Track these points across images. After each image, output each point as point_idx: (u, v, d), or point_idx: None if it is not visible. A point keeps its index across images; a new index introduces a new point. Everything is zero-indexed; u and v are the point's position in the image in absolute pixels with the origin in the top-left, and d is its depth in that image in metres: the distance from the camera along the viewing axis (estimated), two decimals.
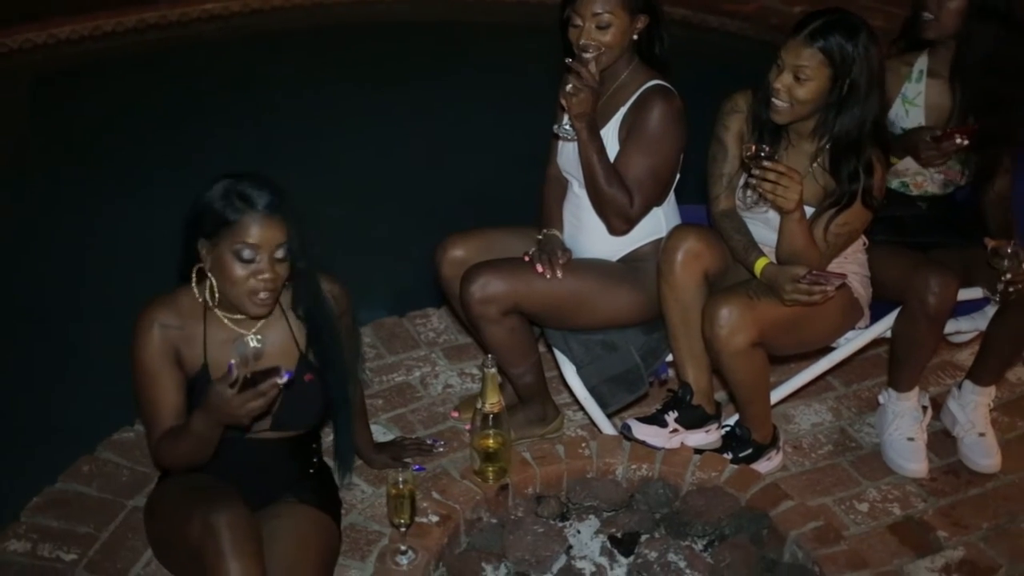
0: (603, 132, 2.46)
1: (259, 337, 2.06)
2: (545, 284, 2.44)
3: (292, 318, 2.11)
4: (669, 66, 2.48)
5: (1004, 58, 2.49)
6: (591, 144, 2.36)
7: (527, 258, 2.48)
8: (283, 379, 1.82)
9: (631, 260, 2.55)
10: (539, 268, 2.44)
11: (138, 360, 2.00)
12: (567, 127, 2.42)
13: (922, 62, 2.65)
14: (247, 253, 1.91)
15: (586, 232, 2.55)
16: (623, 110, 2.45)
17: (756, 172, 2.23)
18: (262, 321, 2.07)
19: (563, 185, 2.64)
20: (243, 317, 2.04)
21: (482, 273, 2.42)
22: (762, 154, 2.23)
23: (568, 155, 2.55)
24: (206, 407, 1.87)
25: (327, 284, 2.15)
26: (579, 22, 2.36)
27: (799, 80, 2.26)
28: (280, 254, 1.94)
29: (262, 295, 1.94)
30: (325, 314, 2.10)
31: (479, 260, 2.54)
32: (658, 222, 2.55)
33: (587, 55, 2.29)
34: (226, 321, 2.05)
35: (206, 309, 2.04)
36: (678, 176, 2.55)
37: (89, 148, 4.37)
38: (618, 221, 2.45)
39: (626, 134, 2.44)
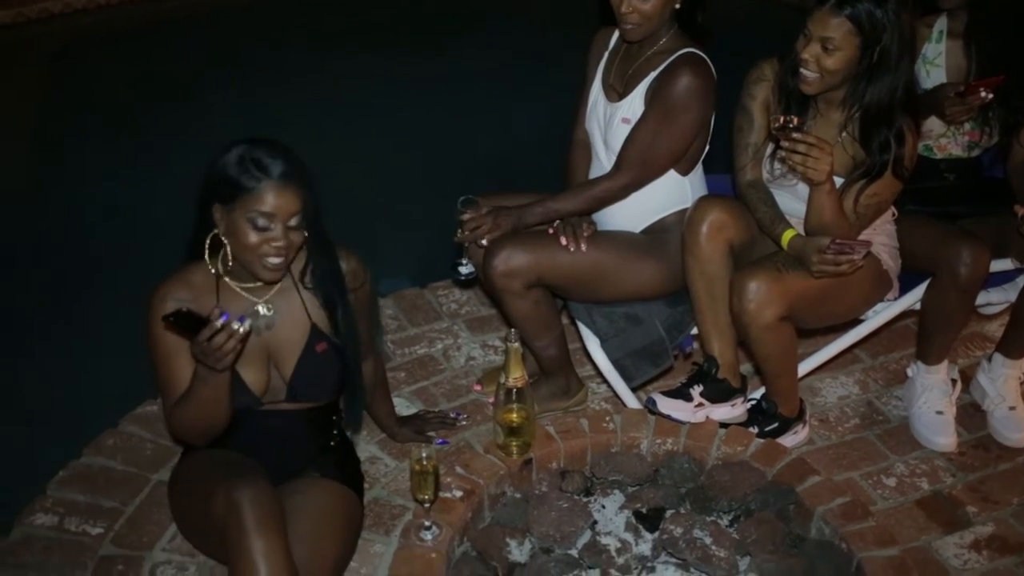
0: (632, 95, 2.44)
1: (270, 306, 2.06)
2: (569, 257, 2.41)
3: (303, 288, 2.10)
4: (710, 35, 2.43)
5: (1016, 15, 2.48)
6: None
7: (552, 231, 2.45)
8: (229, 322, 1.79)
9: (655, 231, 2.52)
10: (563, 241, 2.41)
11: (153, 336, 1.99)
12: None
13: (941, 23, 2.62)
14: (261, 221, 1.90)
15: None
16: (653, 75, 2.41)
17: (785, 144, 2.19)
18: (274, 290, 2.06)
19: (589, 150, 2.60)
20: (255, 285, 2.04)
21: (505, 246, 2.40)
22: (791, 125, 2.18)
23: (596, 117, 2.52)
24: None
25: (344, 258, 2.13)
26: None
27: (827, 51, 2.21)
28: (294, 222, 1.93)
29: (274, 259, 1.94)
30: (337, 285, 2.09)
31: None
32: (684, 192, 2.51)
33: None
34: (239, 290, 2.04)
35: (218, 281, 2.03)
36: (707, 147, 2.51)
37: (107, 117, 4.36)
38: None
39: (650, 99, 2.40)
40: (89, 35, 5.26)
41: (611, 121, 2.48)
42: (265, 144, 1.93)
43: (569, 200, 2.48)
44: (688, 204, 2.48)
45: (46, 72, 5.09)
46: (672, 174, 2.49)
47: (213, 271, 1.99)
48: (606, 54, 2.55)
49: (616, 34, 2.53)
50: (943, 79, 2.62)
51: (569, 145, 2.66)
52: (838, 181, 2.33)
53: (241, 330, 1.81)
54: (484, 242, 2.43)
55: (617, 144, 2.46)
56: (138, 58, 4.91)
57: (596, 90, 2.55)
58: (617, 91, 2.49)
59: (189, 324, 1.80)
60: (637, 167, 2.43)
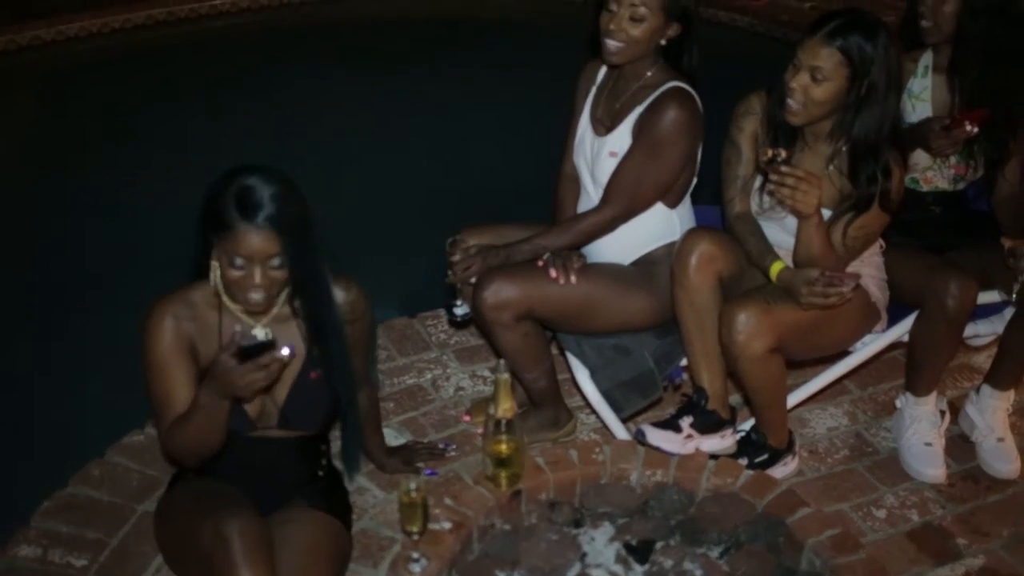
0: (619, 129, 2.45)
1: (268, 330, 2.04)
2: (559, 289, 2.41)
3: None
4: (695, 77, 2.45)
5: (999, 49, 2.50)
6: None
7: (541, 263, 2.45)
8: (284, 353, 1.81)
9: (644, 263, 2.53)
10: (553, 273, 2.41)
11: (151, 352, 1.97)
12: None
13: (927, 58, 2.64)
14: (238, 261, 1.89)
15: None
16: (639, 109, 2.42)
17: (774, 177, 2.20)
18: (272, 314, 2.05)
19: (577, 184, 2.61)
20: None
21: (495, 279, 2.40)
22: (779, 158, 2.20)
23: (584, 151, 2.53)
24: (210, 377, 1.86)
25: (343, 288, 2.12)
26: (614, 8, 2.34)
27: (816, 80, 2.23)
28: (275, 263, 1.91)
29: (253, 295, 1.93)
30: (329, 318, 2.06)
31: None
32: (672, 225, 2.52)
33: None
34: (238, 313, 2.03)
35: (220, 301, 2.03)
36: (695, 180, 2.52)
37: (98, 145, 4.36)
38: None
39: (637, 133, 2.42)
40: (81, 62, 5.27)
41: (599, 155, 2.49)
42: (261, 179, 1.90)
43: (557, 236, 2.48)
44: (676, 237, 2.49)
45: (38, 99, 5.10)
46: (660, 207, 2.50)
47: (213, 285, 1.98)
48: (593, 88, 2.57)
49: (604, 68, 2.55)
50: (929, 113, 2.64)
51: (557, 179, 2.67)
52: (825, 214, 2.34)
53: (286, 356, 1.82)
54: (474, 281, 2.43)
55: (604, 178, 2.47)
56: (131, 86, 4.91)
57: (584, 124, 2.56)
58: (605, 125, 2.50)
59: (254, 352, 1.80)
60: (625, 200, 2.44)
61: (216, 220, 1.89)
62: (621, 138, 2.44)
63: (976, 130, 2.45)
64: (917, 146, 2.59)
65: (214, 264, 1.95)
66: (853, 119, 2.26)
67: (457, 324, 2.64)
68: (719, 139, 2.50)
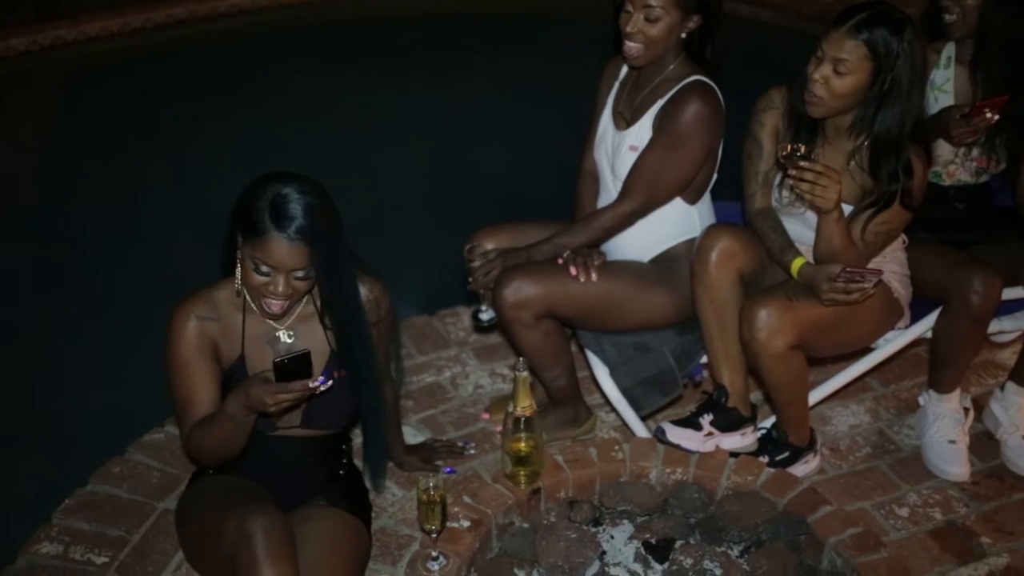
0: (640, 123, 2.44)
1: (291, 332, 2.05)
2: (579, 288, 2.40)
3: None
4: (719, 67, 2.44)
5: (1021, 41, 2.49)
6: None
7: (561, 261, 2.44)
8: (317, 383, 1.82)
9: (664, 260, 2.51)
10: (573, 271, 2.40)
11: (174, 351, 1.99)
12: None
13: (949, 49, 2.63)
14: (264, 268, 1.90)
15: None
16: (661, 102, 2.41)
17: (793, 172, 2.18)
18: (295, 315, 2.06)
19: (597, 180, 2.60)
20: None
21: (515, 277, 2.39)
22: (798, 153, 2.18)
23: (605, 145, 2.52)
24: (240, 390, 1.88)
25: (368, 287, 2.12)
26: (630, 8, 2.33)
27: (839, 73, 2.21)
28: (299, 274, 1.91)
29: (273, 302, 1.94)
30: (357, 324, 2.06)
31: None
32: (691, 221, 2.51)
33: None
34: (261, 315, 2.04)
35: (245, 302, 2.03)
36: (715, 176, 2.51)
37: (120, 144, 4.39)
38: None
39: (657, 126, 2.41)
40: (102, 62, 5.30)
41: (619, 149, 2.48)
42: (297, 190, 1.89)
43: (577, 233, 2.47)
44: (696, 233, 2.48)
45: (59, 98, 5.13)
46: (679, 203, 2.48)
47: (236, 285, 1.99)
48: (616, 84, 2.56)
49: (626, 67, 2.54)
50: (951, 104, 2.62)
51: (578, 174, 2.66)
52: (847, 209, 2.32)
53: (321, 389, 1.83)
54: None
55: (624, 172, 2.46)
56: (152, 85, 4.94)
57: (606, 119, 2.55)
58: (625, 119, 2.49)
59: (294, 368, 1.82)
60: (643, 194, 2.43)
61: (248, 223, 1.89)
62: (641, 132, 2.43)
63: (996, 117, 2.43)
64: (937, 136, 2.56)
65: (238, 262, 1.96)
66: (875, 114, 2.24)
67: (484, 329, 2.64)
68: (740, 134, 2.48)
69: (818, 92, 2.23)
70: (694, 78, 2.38)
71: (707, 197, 2.54)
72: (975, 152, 2.61)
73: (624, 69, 2.55)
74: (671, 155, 2.39)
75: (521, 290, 2.38)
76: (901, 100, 2.20)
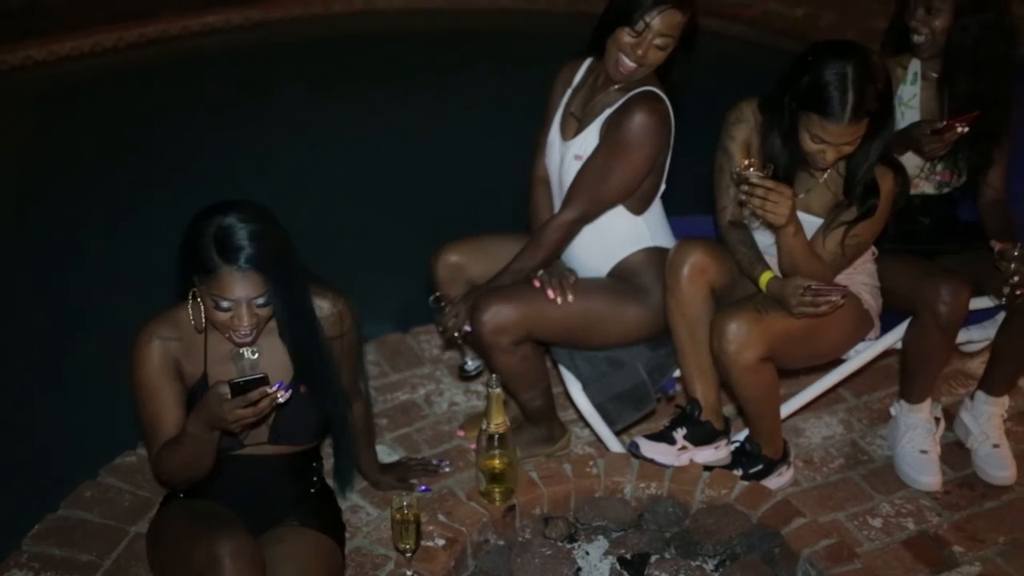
0: (586, 132, 2.44)
1: (254, 349, 2.04)
2: (557, 309, 2.40)
3: None
4: (677, 87, 2.45)
5: (987, 60, 2.51)
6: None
7: (537, 284, 2.44)
8: (275, 389, 1.82)
9: (623, 273, 2.52)
10: (551, 294, 2.41)
11: (138, 375, 1.98)
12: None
13: (915, 65, 2.64)
14: (224, 304, 1.89)
15: (575, 243, 2.52)
16: (608, 111, 2.42)
17: (744, 188, 2.20)
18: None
19: (550, 187, 2.61)
20: None
21: (493, 302, 2.39)
22: (749, 171, 2.19)
23: (553, 155, 2.52)
24: (200, 407, 1.87)
25: (331, 301, 2.11)
26: (641, 29, 2.29)
27: (848, 145, 2.23)
28: (260, 301, 1.90)
29: (242, 332, 1.92)
30: (314, 340, 2.05)
31: (474, 265, 2.56)
32: (640, 232, 2.51)
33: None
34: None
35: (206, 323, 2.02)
36: (663, 186, 2.52)
37: (91, 164, 4.36)
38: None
39: (604, 134, 2.41)
40: (73, 82, 5.27)
41: (564, 159, 2.49)
42: (238, 218, 1.88)
43: (531, 255, 2.46)
44: (647, 244, 2.49)
45: (29, 119, 5.09)
46: (626, 214, 2.48)
47: (193, 323, 1.98)
48: (569, 90, 2.55)
49: (584, 67, 2.54)
50: (917, 119, 2.64)
51: (529, 184, 2.66)
52: (818, 221, 2.34)
53: (281, 398, 1.83)
54: (467, 328, 2.42)
55: (569, 181, 2.46)
56: (124, 105, 4.92)
57: (555, 128, 2.55)
58: (577, 118, 2.49)
59: (246, 388, 1.81)
60: (585, 201, 2.43)
61: (197, 263, 1.88)
62: (587, 141, 2.44)
63: (967, 129, 2.45)
64: (907, 149, 2.59)
65: (190, 305, 1.95)
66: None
67: (472, 378, 2.66)
68: (709, 147, 2.49)
69: (828, 162, 2.28)
70: (644, 88, 2.39)
71: (655, 208, 2.54)
72: (939, 166, 2.64)
73: (579, 75, 2.55)
74: (615, 162, 2.39)
75: (500, 314, 2.38)
76: (879, 136, 2.26)
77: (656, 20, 2.29)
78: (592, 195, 2.42)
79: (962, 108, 2.52)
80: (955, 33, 2.50)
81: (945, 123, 2.47)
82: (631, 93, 2.39)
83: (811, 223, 2.38)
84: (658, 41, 2.31)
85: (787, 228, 2.24)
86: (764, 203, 2.18)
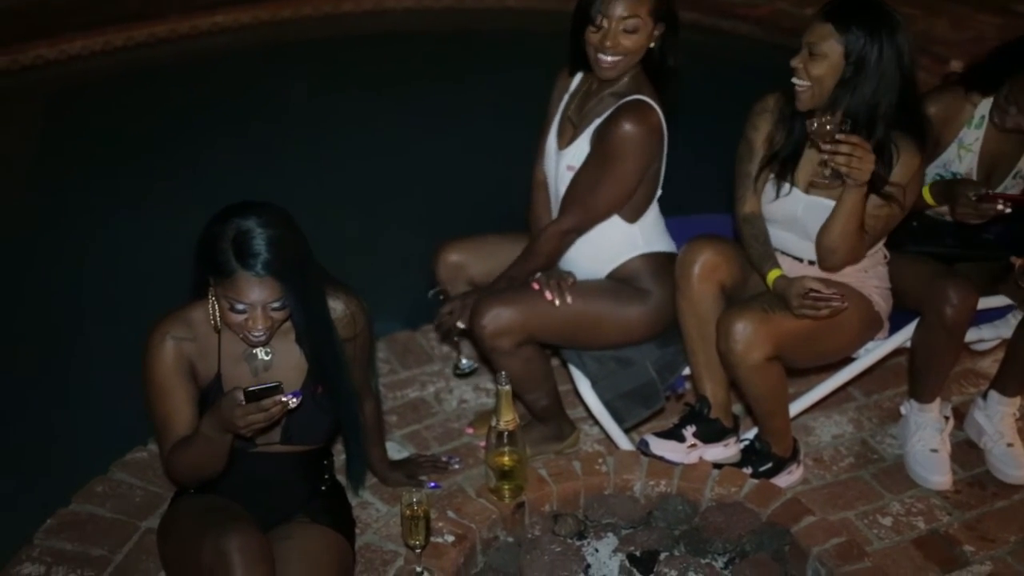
0: (578, 141, 2.44)
1: (268, 350, 2.05)
2: (556, 311, 2.41)
3: None
4: (674, 80, 2.43)
5: None
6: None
7: (536, 286, 2.44)
8: (288, 398, 1.83)
9: (621, 279, 2.51)
10: (549, 296, 2.41)
11: (151, 373, 1.98)
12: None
13: (984, 106, 2.55)
14: (239, 307, 1.89)
15: (570, 251, 2.52)
16: (598, 121, 2.41)
17: (826, 147, 2.17)
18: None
19: (549, 191, 2.61)
20: None
21: (492, 305, 2.39)
22: (828, 127, 2.15)
23: (549, 163, 2.53)
24: (214, 410, 1.88)
25: (344, 302, 2.11)
26: (603, 24, 2.30)
27: (813, 55, 2.22)
28: (275, 306, 1.91)
29: (256, 334, 1.93)
30: (329, 343, 2.06)
31: (475, 265, 2.57)
32: (634, 239, 2.50)
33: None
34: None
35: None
36: (659, 193, 2.51)
37: (101, 163, 4.37)
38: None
39: (593, 145, 2.41)
40: (83, 81, 5.29)
41: (558, 168, 2.49)
42: (257, 222, 1.87)
43: (527, 263, 2.47)
44: (642, 251, 2.49)
45: (41, 118, 5.11)
46: (620, 223, 2.47)
47: (212, 321, 1.98)
48: (567, 96, 2.55)
49: (579, 76, 2.53)
50: (974, 165, 2.58)
51: (530, 188, 2.66)
52: (829, 204, 2.30)
53: (292, 403, 1.84)
54: (461, 324, 2.44)
55: (563, 191, 2.47)
56: (134, 104, 4.93)
57: (552, 135, 2.55)
58: (573, 124, 2.48)
59: (260, 395, 1.83)
60: (579, 212, 2.43)
61: (214, 264, 1.88)
62: (579, 150, 2.43)
63: (1008, 210, 2.39)
64: (945, 202, 2.52)
65: (212, 301, 1.95)
66: (848, 95, 2.22)
67: (466, 376, 2.67)
68: (721, 146, 2.49)
69: (799, 79, 2.24)
70: (634, 97, 2.36)
71: (651, 214, 2.52)
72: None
73: (576, 81, 2.54)
74: (603, 173, 2.38)
75: (500, 317, 2.38)
76: (872, 79, 2.19)
77: (612, 7, 2.28)
78: (583, 207, 2.42)
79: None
80: None
81: (987, 193, 2.41)
82: (621, 102, 2.37)
83: (824, 207, 2.33)
84: (624, 26, 2.29)
85: (863, 188, 2.21)
86: (850, 159, 2.14)
